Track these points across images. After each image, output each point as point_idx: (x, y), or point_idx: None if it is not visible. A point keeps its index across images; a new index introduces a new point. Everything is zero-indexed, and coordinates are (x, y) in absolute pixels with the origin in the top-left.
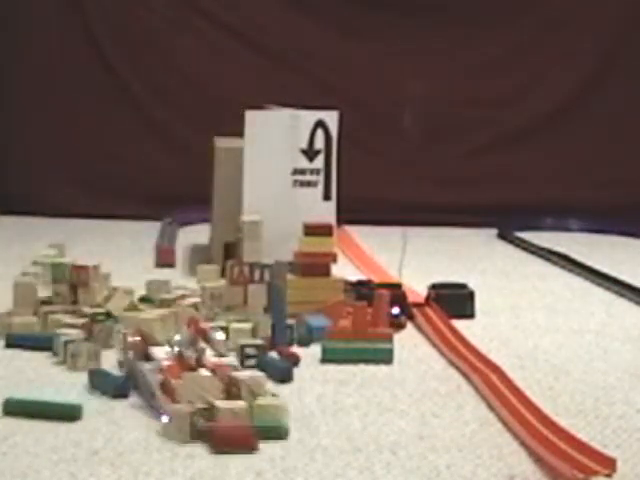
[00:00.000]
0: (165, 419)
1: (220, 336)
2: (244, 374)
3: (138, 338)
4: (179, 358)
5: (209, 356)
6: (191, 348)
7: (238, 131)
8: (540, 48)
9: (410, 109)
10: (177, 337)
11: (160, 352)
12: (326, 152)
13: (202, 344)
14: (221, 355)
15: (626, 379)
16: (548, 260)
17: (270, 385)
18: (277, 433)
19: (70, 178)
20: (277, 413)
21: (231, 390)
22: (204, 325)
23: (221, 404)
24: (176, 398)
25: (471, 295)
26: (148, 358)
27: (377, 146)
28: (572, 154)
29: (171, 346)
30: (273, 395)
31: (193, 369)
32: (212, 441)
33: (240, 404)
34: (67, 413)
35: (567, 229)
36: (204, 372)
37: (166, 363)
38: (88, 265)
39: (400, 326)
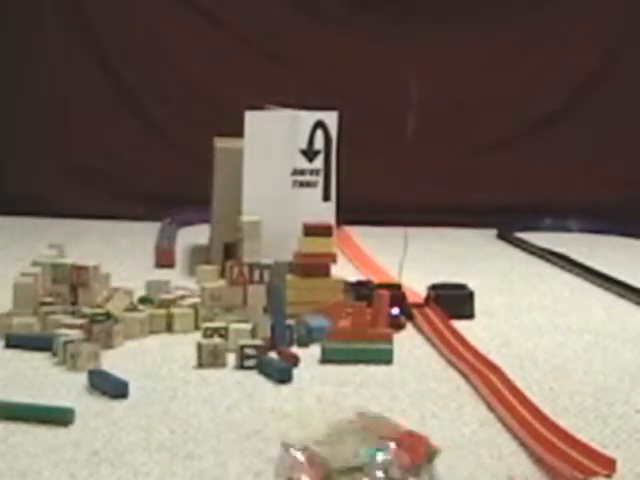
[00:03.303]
0: None
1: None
2: None
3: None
4: None
5: None
6: (405, 474)
7: (238, 131)
8: (540, 48)
9: (410, 109)
10: (380, 458)
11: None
12: (326, 152)
13: (424, 465)
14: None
15: (626, 379)
16: (548, 260)
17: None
18: None
19: (70, 178)
20: None
21: None
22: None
23: None
24: None
25: (471, 295)
26: None
27: (377, 146)
28: (572, 154)
29: (371, 471)
30: None
31: None
32: None
33: None
34: (59, 417)
35: (567, 229)
36: None
37: None
38: (88, 265)
39: (400, 326)
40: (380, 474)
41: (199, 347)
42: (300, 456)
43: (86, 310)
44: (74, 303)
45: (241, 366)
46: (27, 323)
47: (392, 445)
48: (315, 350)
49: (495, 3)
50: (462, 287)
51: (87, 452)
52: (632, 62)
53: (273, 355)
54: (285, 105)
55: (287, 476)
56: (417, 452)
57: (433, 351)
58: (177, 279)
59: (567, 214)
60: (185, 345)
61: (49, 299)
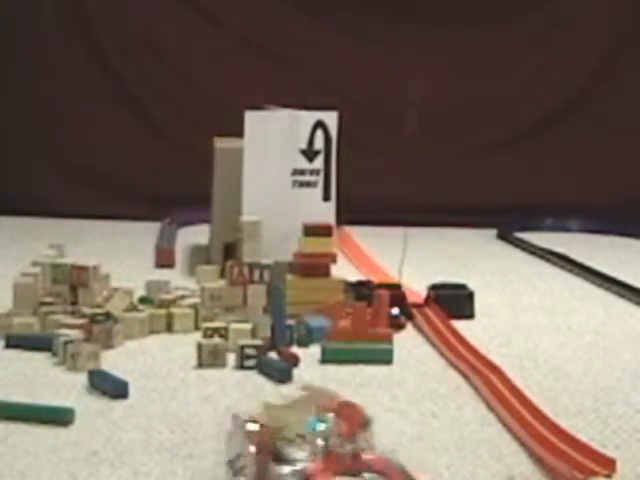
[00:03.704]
0: None
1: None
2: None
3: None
4: (328, 457)
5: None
6: (344, 442)
7: (238, 131)
8: (540, 48)
9: (410, 109)
10: (320, 427)
11: (296, 449)
12: (326, 152)
13: (360, 437)
14: (372, 447)
15: (626, 379)
16: (548, 260)
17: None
18: None
19: (70, 178)
20: None
21: None
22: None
23: None
24: None
25: (471, 295)
26: (279, 458)
27: (377, 146)
28: (572, 154)
29: (312, 440)
30: None
31: (351, 473)
32: None
33: None
34: (59, 417)
35: (567, 229)
36: (369, 478)
37: (311, 465)
38: (88, 265)
39: (400, 326)
40: (321, 442)
41: (199, 347)
42: (249, 427)
43: (86, 310)
44: (74, 303)
45: (241, 366)
46: (27, 323)
47: (331, 415)
48: (315, 350)
49: (495, 3)
50: (462, 287)
51: (87, 452)
52: (632, 62)
53: (273, 355)
54: (285, 105)
55: (237, 446)
56: (353, 421)
57: (433, 351)
58: (177, 279)
59: (567, 214)
60: (185, 345)
61: (49, 299)
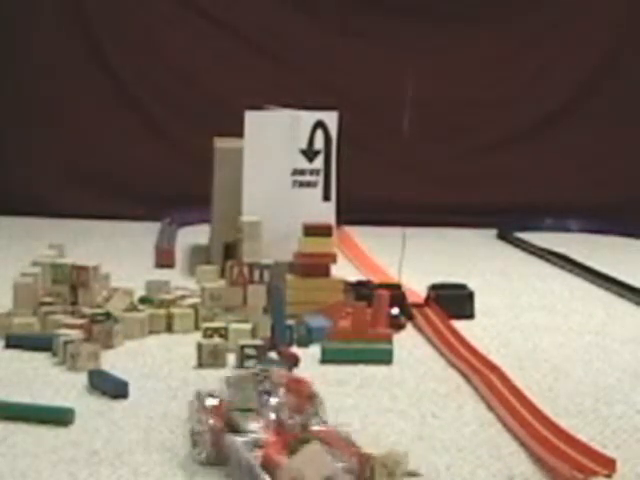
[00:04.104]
0: None
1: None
2: (377, 450)
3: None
4: (279, 428)
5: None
6: (293, 415)
7: (238, 131)
8: (540, 48)
9: (410, 109)
10: (273, 401)
11: (248, 421)
12: (326, 152)
13: (309, 409)
14: (323, 421)
15: (626, 379)
16: (548, 260)
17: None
18: None
19: (70, 178)
20: None
21: (362, 470)
22: (302, 384)
23: None
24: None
25: (471, 296)
26: (234, 429)
27: (377, 146)
28: (572, 154)
29: (265, 413)
30: (413, 474)
31: (299, 442)
32: None
33: None
34: (59, 417)
35: (567, 229)
36: (317, 445)
37: (264, 435)
38: (88, 265)
39: (400, 327)
40: (272, 415)
41: (199, 347)
42: (208, 402)
43: (86, 310)
44: (74, 303)
45: (241, 366)
46: (27, 323)
47: (282, 390)
48: (315, 350)
49: (495, 3)
50: (462, 287)
51: (87, 452)
52: (632, 62)
53: (273, 355)
54: (285, 105)
55: (196, 418)
56: (302, 395)
57: (433, 351)
58: (177, 279)
59: (567, 214)
60: (185, 345)
61: (49, 299)
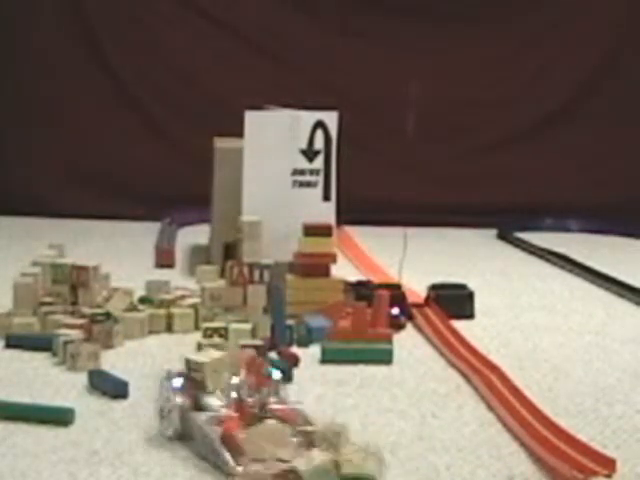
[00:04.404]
0: None
1: (276, 375)
2: (319, 424)
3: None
4: (239, 406)
5: (272, 402)
6: (253, 393)
7: (238, 131)
8: (540, 48)
9: (410, 109)
10: (234, 380)
11: (214, 399)
12: (326, 152)
13: (266, 389)
14: (283, 400)
15: (626, 379)
16: (548, 260)
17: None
18: None
19: (70, 178)
20: (370, 467)
21: (307, 443)
22: (260, 364)
23: (302, 464)
24: (243, 454)
25: (471, 295)
26: (199, 407)
27: (377, 146)
28: (572, 154)
29: (227, 392)
30: (356, 445)
31: (258, 418)
32: None
33: (324, 463)
34: (59, 417)
35: (567, 229)
36: (272, 422)
37: (224, 412)
38: (88, 265)
39: (400, 326)
40: (234, 394)
41: (199, 347)
42: (175, 381)
43: (86, 310)
44: (74, 303)
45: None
46: (27, 323)
47: (243, 370)
48: (315, 350)
49: (495, 3)
50: (462, 287)
51: (87, 452)
52: (632, 62)
53: (273, 355)
54: (285, 105)
55: (165, 397)
56: (261, 375)
57: (433, 351)
58: (177, 279)
59: (567, 214)
60: (185, 345)
61: (49, 299)
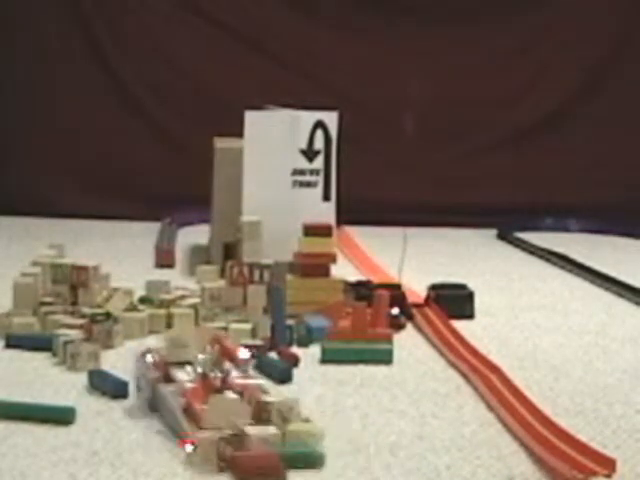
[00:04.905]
0: (189, 448)
1: (244, 354)
2: (274, 398)
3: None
4: (203, 380)
5: (235, 377)
6: (216, 369)
7: (238, 131)
8: (540, 48)
9: (410, 109)
10: (200, 357)
11: (182, 373)
12: (326, 152)
13: (227, 364)
14: (247, 376)
15: (626, 379)
16: (548, 261)
17: (305, 410)
18: (311, 461)
19: (70, 178)
20: (311, 439)
21: (260, 415)
22: (228, 343)
23: (251, 431)
24: (201, 423)
25: (471, 296)
26: (168, 379)
27: (377, 146)
28: (572, 154)
29: (194, 367)
30: (306, 420)
31: (218, 391)
32: (237, 470)
33: (271, 430)
34: (60, 417)
35: (567, 229)
36: (231, 395)
37: (189, 385)
38: (88, 266)
39: (400, 326)
40: (199, 369)
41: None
42: (148, 357)
43: (86, 310)
44: (74, 303)
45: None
46: (27, 323)
47: (209, 348)
48: (315, 350)
49: (495, 3)
50: (462, 287)
51: (87, 452)
52: (632, 62)
53: (273, 355)
54: (285, 105)
55: (140, 373)
56: (224, 351)
57: (433, 351)
58: (177, 279)
59: (567, 214)
60: None
61: (49, 299)
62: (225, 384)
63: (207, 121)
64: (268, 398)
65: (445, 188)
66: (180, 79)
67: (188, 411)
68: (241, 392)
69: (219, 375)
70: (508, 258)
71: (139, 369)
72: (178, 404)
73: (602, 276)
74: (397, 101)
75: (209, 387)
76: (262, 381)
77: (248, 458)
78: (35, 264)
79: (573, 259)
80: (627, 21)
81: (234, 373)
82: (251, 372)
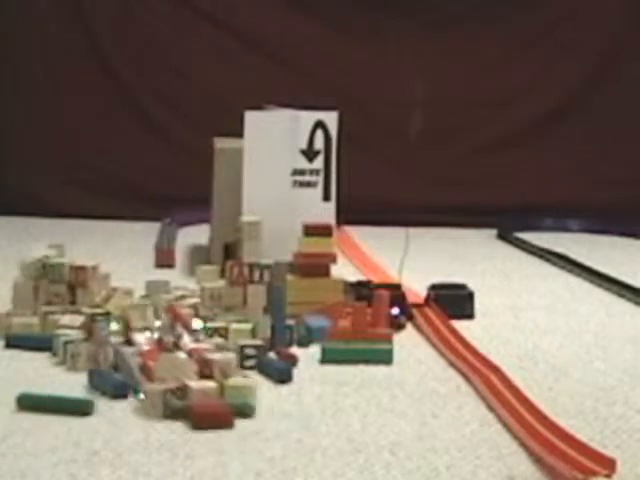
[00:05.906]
0: (141, 396)
1: (197, 324)
2: (216, 355)
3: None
4: (158, 343)
5: (187, 341)
6: (170, 333)
7: (238, 131)
8: (540, 48)
9: (410, 109)
10: (157, 323)
11: (141, 337)
12: (326, 152)
13: (181, 330)
14: (198, 341)
15: (626, 379)
16: (548, 260)
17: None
18: (245, 411)
19: (70, 178)
20: (246, 393)
21: (204, 371)
22: (183, 313)
23: (193, 384)
24: (153, 378)
25: (470, 295)
26: (130, 343)
27: (377, 146)
28: (572, 154)
29: (151, 332)
30: (244, 376)
31: (170, 351)
32: (191, 419)
33: (211, 384)
34: (80, 408)
35: (567, 229)
36: (180, 354)
37: (146, 347)
38: (87, 265)
39: (400, 327)
40: (156, 334)
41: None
42: (112, 325)
43: (86, 310)
44: (73, 303)
45: (241, 366)
46: (27, 323)
47: (164, 314)
48: (315, 350)
49: (495, 3)
50: (462, 287)
51: (87, 452)
52: (632, 62)
53: (273, 355)
54: (285, 105)
55: (103, 337)
56: (178, 318)
57: (433, 351)
58: (177, 279)
59: (567, 214)
60: None
61: (49, 299)
62: (177, 346)
63: (207, 121)
64: (210, 356)
65: (445, 188)
66: (180, 79)
67: (144, 369)
68: (190, 353)
69: (172, 339)
70: (508, 258)
71: (101, 335)
72: (135, 363)
73: (602, 276)
74: (397, 101)
75: (163, 349)
76: (210, 344)
77: (201, 407)
78: (35, 264)
79: (573, 259)
80: (627, 20)
81: (187, 338)
82: (202, 338)
